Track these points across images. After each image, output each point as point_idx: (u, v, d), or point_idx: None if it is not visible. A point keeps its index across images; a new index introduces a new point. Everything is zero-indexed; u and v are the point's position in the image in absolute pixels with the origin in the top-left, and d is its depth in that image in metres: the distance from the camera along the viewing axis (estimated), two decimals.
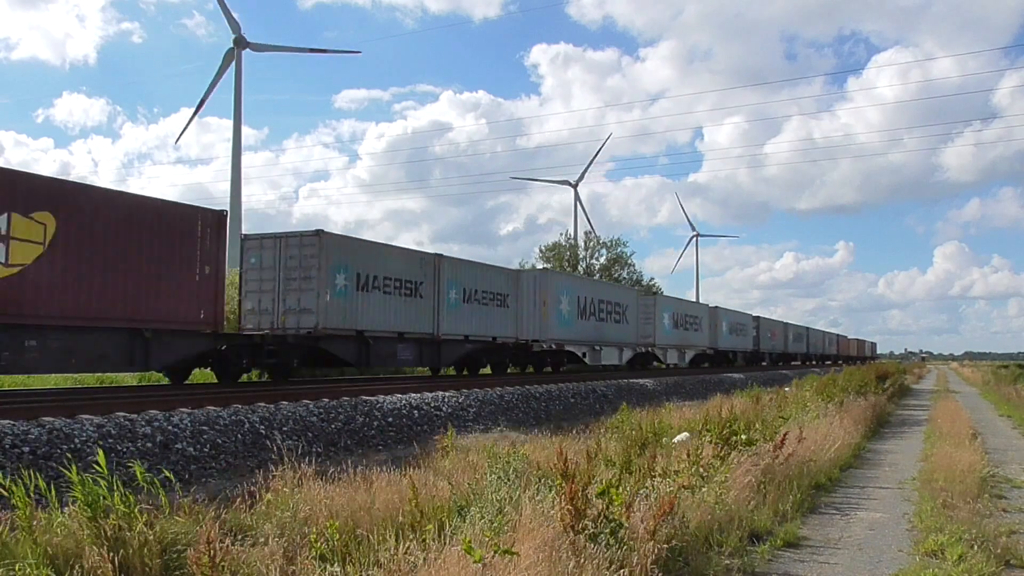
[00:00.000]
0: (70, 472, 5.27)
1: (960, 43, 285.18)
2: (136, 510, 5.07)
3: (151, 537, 4.98)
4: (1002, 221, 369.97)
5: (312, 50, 37.17)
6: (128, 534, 4.92)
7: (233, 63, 34.90)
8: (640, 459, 8.10)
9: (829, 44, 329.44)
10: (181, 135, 33.83)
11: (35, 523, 5.19)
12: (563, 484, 5.42)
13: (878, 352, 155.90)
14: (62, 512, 5.39)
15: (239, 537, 5.92)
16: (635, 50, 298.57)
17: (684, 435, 9.33)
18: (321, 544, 5.21)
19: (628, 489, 6.12)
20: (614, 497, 5.58)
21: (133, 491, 5.35)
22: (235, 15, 35.95)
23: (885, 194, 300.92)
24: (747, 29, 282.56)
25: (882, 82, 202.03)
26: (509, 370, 28.71)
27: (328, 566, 4.86)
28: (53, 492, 5.55)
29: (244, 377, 19.54)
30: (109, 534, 4.88)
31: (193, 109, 35.02)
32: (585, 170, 62.30)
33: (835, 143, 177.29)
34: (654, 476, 7.03)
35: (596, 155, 64.63)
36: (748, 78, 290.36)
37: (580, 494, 5.30)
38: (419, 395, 16.81)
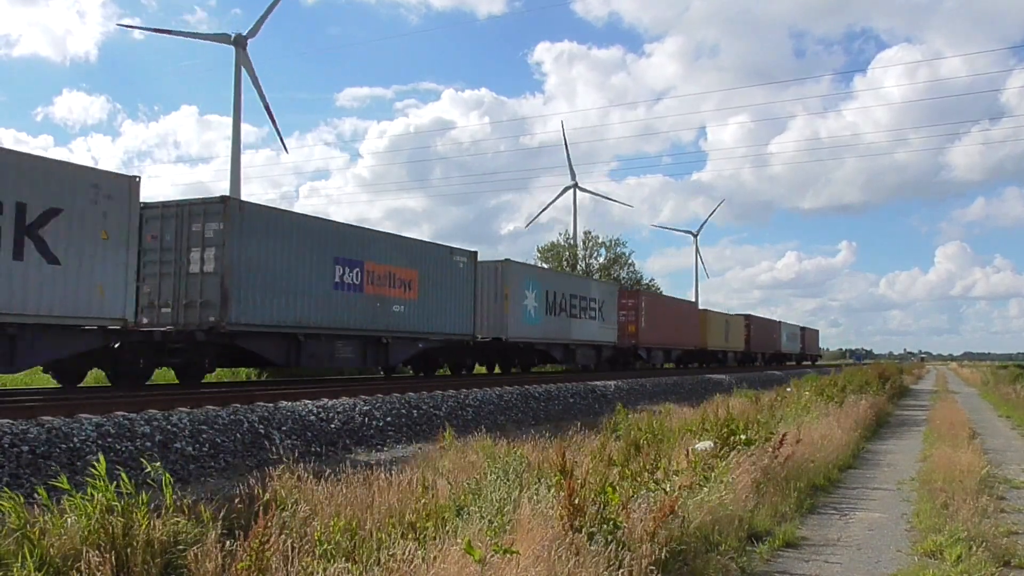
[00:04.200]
0: (70, 472, 5.27)
1: (969, 41, 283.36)
2: (142, 511, 5.06)
3: (154, 536, 4.98)
4: (1005, 221, 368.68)
5: None
6: (134, 531, 4.91)
7: (243, 61, 34.87)
8: (638, 460, 8.10)
9: (839, 41, 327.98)
10: (282, 142, 34.19)
11: (36, 525, 5.19)
12: (563, 480, 5.43)
13: (823, 348, 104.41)
14: (58, 512, 5.38)
15: (238, 536, 5.91)
16: (640, 47, 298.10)
17: (708, 443, 9.22)
18: (325, 542, 5.23)
19: (625, 489, 6.13)
20: (610, 496, 5.58)
21: (135, 489, 5.35)
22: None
23: (889, 193, 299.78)
24: (755, 25, 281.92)
25: (889, 81, 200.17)
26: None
27: (332, 563, 4.86)
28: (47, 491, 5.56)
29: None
30: (115, 533, 4.88)
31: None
32: (571, 166, 62.47)
33: (841, 142, 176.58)
34: (655, 476, 7.02)
35: (567, 146, 63.34)
36: (756, 76, 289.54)
37: (579, 491, 5.30)
38: (417, 395, 16.85)
